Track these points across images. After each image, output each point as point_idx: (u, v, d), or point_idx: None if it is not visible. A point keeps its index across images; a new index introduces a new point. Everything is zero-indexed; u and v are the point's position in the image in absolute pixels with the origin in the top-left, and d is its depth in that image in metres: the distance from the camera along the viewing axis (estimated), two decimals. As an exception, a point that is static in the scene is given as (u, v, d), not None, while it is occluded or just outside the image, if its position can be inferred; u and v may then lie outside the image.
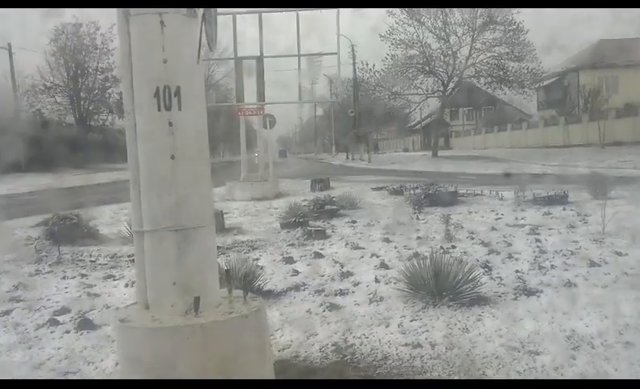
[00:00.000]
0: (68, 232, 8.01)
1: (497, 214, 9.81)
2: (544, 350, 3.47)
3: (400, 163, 34.35)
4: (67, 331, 4.30)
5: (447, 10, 31.14)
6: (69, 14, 38.61)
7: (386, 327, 4.06)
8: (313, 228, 8.29)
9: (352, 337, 3.89)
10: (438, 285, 4.47)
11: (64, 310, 4.82)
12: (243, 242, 7.86)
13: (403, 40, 31.99)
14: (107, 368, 3.50)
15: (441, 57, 32.55)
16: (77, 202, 15.97)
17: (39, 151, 31.16)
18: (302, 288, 5.29)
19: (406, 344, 3.71)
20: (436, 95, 35.53)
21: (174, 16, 2.70)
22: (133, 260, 6.80)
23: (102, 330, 4.33)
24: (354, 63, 38.58)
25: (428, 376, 3.24)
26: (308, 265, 6.28)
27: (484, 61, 32.69)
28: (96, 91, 41.41)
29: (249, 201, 14.08)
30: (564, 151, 29.88)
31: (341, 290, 5.10)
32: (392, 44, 27.33)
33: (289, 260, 6.55)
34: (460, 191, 12.47)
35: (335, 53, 15.76)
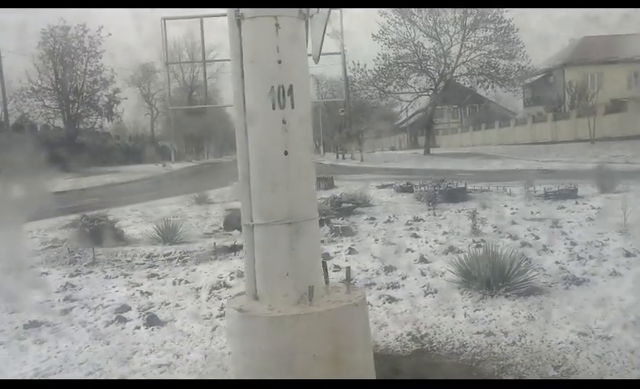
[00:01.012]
0: (97, 233, 8.05)
1: (512, 209, 10.04)
2: (615, 335, 3.64)
3: (393, 161, 34.62)
4: (137, 327, 4.38)
5: (439, 9, 31.52)
6: (56, 17, 38.31)
7: (453, 317, 4.21)
8: (340, 226, 8.42)
9: (423, 327, 4.03)
10: (495, 277, 4.63)
11: (124, 308, 4.89)
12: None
13: (396, 39, 32.34)
14: (198, 359, 3.60)
15: (433, 56, 32.90)
16: (82, 204, 15.95)
17: (27, 155, 30.88)
18: (351, 282, 5.40)
19: (478, 333, 3.86)
20: (427, 93, 35.88)
21: (287, 18, 2.82)
22: (170, 259, 6.93)
23: (170, 325, 4.42)
24: (344, 63, 38.68)
25: (510, 362, 3.38)
26: (346, 260, 6.40)
27: (475, 59, 33.11)
28: (85, 94, 41.00)
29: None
30: (554, 148, 30.37)
31: (392, 283, 5.23)
32: (385, 43, 27.64)
33: (325, 256, 6.66)
34: (467, 188, 12.68)
35: (339, 53, 15.92)
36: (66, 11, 40.19)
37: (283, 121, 2.83)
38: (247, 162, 2.94)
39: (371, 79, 32.97)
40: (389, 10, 28.99)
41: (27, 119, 39.87)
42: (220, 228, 9.32)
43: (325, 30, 2.90)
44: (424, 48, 33.08)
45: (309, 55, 3.09)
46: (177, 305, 4.97)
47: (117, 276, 6.30)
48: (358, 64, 31.58)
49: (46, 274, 6.58)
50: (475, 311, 4.29)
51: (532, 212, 9.45)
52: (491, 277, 4.65)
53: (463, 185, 12.39)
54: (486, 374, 3.22)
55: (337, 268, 6.02)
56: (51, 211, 14.64)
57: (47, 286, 5.98)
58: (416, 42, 32.89)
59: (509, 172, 19.81)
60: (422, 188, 12.53)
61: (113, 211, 11.12)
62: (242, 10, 2.84)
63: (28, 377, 3.49)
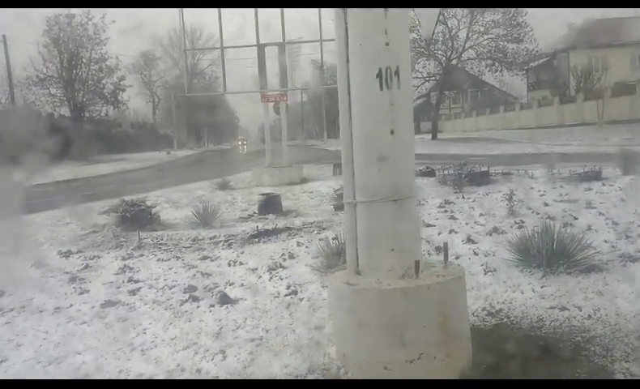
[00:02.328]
0: (137, 218, 8.17)
1: (539, 191, 10.14)
2: (687, 306, 3.77)
3: (401, 146, 34.60)
4: (212, 305, 4.51)
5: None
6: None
7: (521, 293, 4.33)
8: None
9: (496, 303, 4.16)
10: (556, 254, 4.75)
11: (191, 288, 5.02)
12: (311, 224, 8.07)
13: (404, 23, 32.19)
14: (287, 334, 3.72)
15: (441, 40, 32.87)
16: (102, 191, 16.06)
17: (35, 143, 30.88)
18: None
19: (551, 307, 3.99)
20: (434, 78, 35.88)
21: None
22: (216, 242, 7.05)
23: (242, 303, 4.54)
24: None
25: (592, 334, 3.50)
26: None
27: (484, 43, 33.10)
28: (89, 82, 40.94)
29: (278, 186, 14.27)
30: (563, 131, 30.45)
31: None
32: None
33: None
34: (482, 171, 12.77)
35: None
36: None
37: (390, 102, 2.93)
38: (350, 143, 3.05)
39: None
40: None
41: (33, 107, 39.87)
42: (254, 213, 9.43)
43: (439, 15, 2.98)
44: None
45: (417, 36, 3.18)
46: (242, 285, 5.09)
47: (169, 259, 6.42)
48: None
49: (98, 257, 6.70)
50: (542, 288, 4.41)
51: (561, 194, 9.57)
52: (552, 255, 4.77)
53: (486, 169, 12.50)
54: (573, 345, 3.35)
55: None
56: (74, 198, 14.78)
57: (104, 268, 6.11)
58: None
59: (523, 156, 19.93)
60: (445, 172, 12.63)
61: (140, 198, 11.20)
62: (350, -4, 2.93)
63: (128, 352, 3.62)
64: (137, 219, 8.15)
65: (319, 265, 5.41)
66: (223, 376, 3.16)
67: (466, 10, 32.28)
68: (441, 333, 2.88)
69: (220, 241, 7.21)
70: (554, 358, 3.17)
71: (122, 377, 3.26)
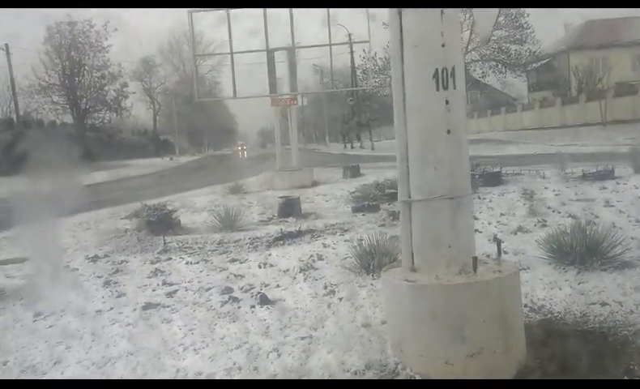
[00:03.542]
0: (159, 222, 8.23)
1: (554, 191, 10.20)
2: None
3: (405, 149, 34.73)
4: (253, 306, 4.57)
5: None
6: (62, 13, 38.25)
7: (560, 289, 4.39)
8: (396, 210, 8.59)
9: (536, 299, 4.22)
10: (590, 252, 4.81)
11: (228, 289, 5.07)
12: (333, 226, 8.12)
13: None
14: (335, 332, 3.77)
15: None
16: (112, 197, 16.12)
17: (37, 150, 30.88)
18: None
19: (592, 303, 4.05)
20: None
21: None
22: (240, 245, 7.11)
23: (281, 303, 4.60)
24: (352, 52, 38.81)
25: (637, 328, 3.56)
26: None
27: (487, 45, 33.24)
28: (92, 89, 41.04)
29: (290, 189, 14.34)
30: (567, 132, 30.53)
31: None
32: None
33: (397, 239, 6.83)
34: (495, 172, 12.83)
35: (367, 42, 16.03)
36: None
37: (447, 102, 3.00)
38: (405, 142, 3.12)
39: (381, 68, 33.09)
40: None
41: (35, 116, 39.98)
42: (273, 216, 9.49)
43: (497, 16, 3.05)
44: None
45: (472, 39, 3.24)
46: (278, 286, 5.15)
47: (197, 262, 6.47)
48: (368, 52, 31.64)
49: (126, 261, 6.75)
50: (579, 284, 4.47)
51: (576, 193, 9.63)
52: (586, 252, 4.83)
53: (498, 170, 12.57)
54: (622, 338, 3.41)
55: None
56: (86, 204, 14.81)
57: (135, 272, 6.17)
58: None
59: (530, 156, 19.99)
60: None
61: (161, 203, 11.25)
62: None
63: (180, 351, 3.68)
64: (159, 223, 8.20)
65: (351, 265, 5.46)
66: (282, 373, 3.21)
67: (469, 13, 32.42)
68: (499, 328, 2.94)
69: (245, 244, 7.27)
70: (606, 351, 3.23)
71: (180, 376, 3.31)
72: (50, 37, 37.51)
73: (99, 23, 38.74)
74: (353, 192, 11.34)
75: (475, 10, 3.19)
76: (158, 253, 7.14)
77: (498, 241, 3.35)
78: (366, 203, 9.37)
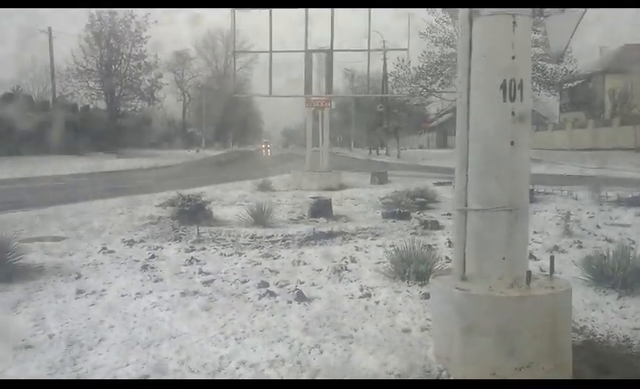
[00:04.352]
0: (193, 212, 8.33)
1: (587, 213, 10.07)
2: None
3: (430, 160, 34.61)
4: (289, 302, 4.60)
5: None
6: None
7: (602, 312, 4.34)
8: (427, 219, 8.57)
9: (578, 320, 4.16)
10: (631, 275, 4.74)
11: (264, 284, 5.11)
12: (365, 230, 8.13)
13: (442, 38, 32.30)
14: (375, 334, 3.78)
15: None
16: (142, 185, 16.36)
17: (68, 136, 31.35)
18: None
19: (635, 328, 3.99)
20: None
21: (522, 17, 2.97)
22: (273, 241, 7.16)
23: (318, 302, 4.62)
24: (384, 59, 38.80)
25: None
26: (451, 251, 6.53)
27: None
28: (127, 77, 41.69)
29: (317, 190, 14.38)
30: (598, 154, 30.00)
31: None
32: (432, 41, 27.62)
33: (429, 248, 6.80)
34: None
35: (405, 49, 16.03)
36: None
37: (513, 113, 2.99)
38: (466, 151, 3.12)
39: (414, 77, 33.01)
40: (438, 9, 28.93)
41: (70, 100, 40.72)
42: (303, 215, 9.53)
43: (576, 27, 3.04)
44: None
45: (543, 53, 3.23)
46: (313, 285, 5.17)
47: (231, 254, 6.54)
48: (402, 60, 31.60)
49: (161, 248, 6.85)
50: (621, 308, 4.42)
51: (611, 217, 9.49)
52: (627, 276, 4.77)
53: (531, 188, 12.44)
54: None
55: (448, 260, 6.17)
56: (117, 189, 15.08)
57: (170, 259, 6.26)
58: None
59: (561, 177, 19.72)
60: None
61: (195, 193, 11.40)
62: (478, 9, 3.00)
63: (222, 339, 3.72)
64: (192, 213, 8.31)
65: (386, 270, 5.46)
66: (325, 370, 3.23)
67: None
68: (550, 344, 2.92)
69: (278, 241, 7.32)
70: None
71: (225, 363, 3.35)
72: (92, 24, 38.31)
73: (139, 13, 39.42)
74: (383, 198, 11.36)
75: (548, 25, 3.16)
76: (192, 242, 7.23)
77: (551, 258, 3.32)
78: (397, 210, 9.35)
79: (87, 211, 10.48)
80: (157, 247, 6.87)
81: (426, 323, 3.97)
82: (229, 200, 12.18)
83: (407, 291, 4.91)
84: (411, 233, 7.90)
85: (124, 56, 40.59)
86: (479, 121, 3.05)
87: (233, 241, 7.32)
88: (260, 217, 8.41)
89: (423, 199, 10.94)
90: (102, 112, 41.09)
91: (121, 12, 38.98)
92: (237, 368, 3.28)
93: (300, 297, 4.69)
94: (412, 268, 5.20)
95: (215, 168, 30.98)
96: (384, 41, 34.03)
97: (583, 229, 8.14)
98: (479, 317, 2.94)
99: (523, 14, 2.97)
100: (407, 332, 3.83)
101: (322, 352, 3.48)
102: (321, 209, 9.22)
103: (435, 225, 8.38)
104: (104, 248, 6.72)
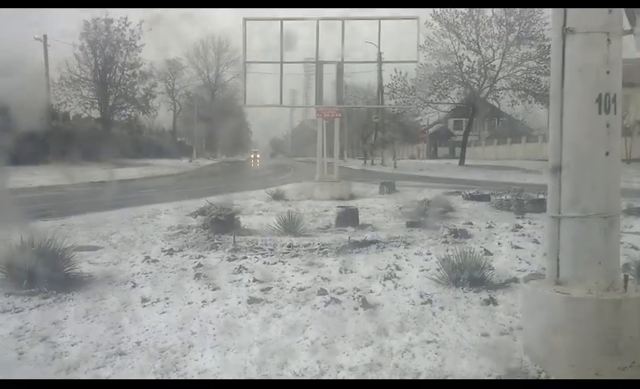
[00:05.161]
0: (224, 222, 8.40)
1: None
2: None
3: (427, 170, 34.95)
4: (356, 308, 4.70)
5: (480, 23, 32.12)
6: (99, 9, 38.85)
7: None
8: (457, 227, 8.72)
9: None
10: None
11: (323, 291, 5.21)
12: (396, 238, 8.25)
13: (440, 50, 32.83)
14: (457, 339, 3.89)
15: (475, 68, 33.50)
16: (147, 196, 16.33)
17: (63, 145, 31.10)
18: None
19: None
20: (464, 104, 36.37)
21: (615, 34, 3.14)
22: (311, 250, 7.25)
23: (382, 308, 4.73)
24: (380, 70, 39.13)
25: None
26: (507, 257, 6.72)
27: (518, 74, 33.63)
28: (121, 86, 41.59)
29: (330, 200, 14.51)
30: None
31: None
32: (429, 54, 28.06)
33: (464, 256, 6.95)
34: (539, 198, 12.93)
35: (415, 62, 16.26)
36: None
37: (607, 125, 3.14)
38: (559, 159, 3.26)
39: (411, 88, 33.44)
40: (436, 22, 29.41)
41: (63, 109, 40.49)
42: (330, 224, 9.62)
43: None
44: (469, 60, 33.65)
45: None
46: (371, 292, 5.27)
47: (275, 263, 6.61)
48: (399, 72, 31.99)
49: (202, 257, 6.90)
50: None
51: (625, 226, 9.71)
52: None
53: (542, 197, 12.68)
54: None
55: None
56: (127, 199, 15.05)
57: (217, 268, 6.31)
58: (459, 54, 33.55)
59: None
60: (502, 197, 12.86)
61: (194, 203, 11.46)
62: (572, 26, 3.16)
63: (309, 345, 3.81)
64: (224, 223, 8.37)
65: (438, 277, 5.57)
66: (425, 373, 3.33)
67: (503, 42, 32.86)
68: (648, 345, 3.06)
69: (315, 249, 7.41)
70: None
71: (324, 367, 3.44)
72: (87, 32, 38.20)
73: (134, 21, 39.41)
74: (401, 207, 11.52)
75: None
76: (229, 251, 7.29)
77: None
78: (421, 218, 9.49)
79: (109, 220, 10.47)
80: (199, 256, 6.92)
81: (501, 328, 4.11)
82: (247, 210, 12.22)
83: (466, 297, 5.03)
84: (442, 242, 8.03)
85: (119, 64, 40.50)
86: (573, 132, 3.20)
87: (271, 249, 7.39)
88: (290, 226, 8.50)
89: (441, 209, 11.09)
90: (95, 121, 40.89)
91: (115, 20, 39.01)
92: (338, 372, 3.37)
93: (365, 304, 4.79)
94: (466, 275, 5.33)
95: (213, 178, 30.99)
96: (380, 53, 34.45)
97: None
98: (581, 319, 3.07)
99: (616, 31, 3.13)
100: (486, 336, 3.95)
101: (414, 356, 3.58)
102: (348, 218, 9.33)
103: (464, 234, 8.53)
104: (147, 257, 6.75)
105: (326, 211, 12.04)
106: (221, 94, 78.89)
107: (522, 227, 9.54)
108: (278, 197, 14.15)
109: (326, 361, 3.52)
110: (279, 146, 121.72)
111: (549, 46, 30.75)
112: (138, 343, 3.88)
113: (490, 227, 9.64)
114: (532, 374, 3.26)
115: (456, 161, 44.84)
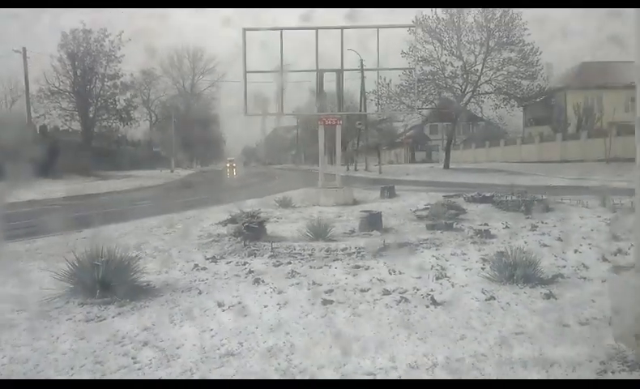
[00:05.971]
0: (256, 229, 8.54)
1: (606, 219, 10.70)
2: None
3: (414, 174, 35.47)
4: (427, 306, 4.91)
5: (462, 29, 32.91)
6: (76, 20, 38.50)
7: None
8: (480, 229, 9.01)
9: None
10: None
11: (386, 291, 5.41)
12: (426, 240, 8.49)
13: (423, 56, 33.42)
14: (536, 334, 4.13)
15: (458, 74, 34.24)
16: (147, 208, 16.26)
17: (48, 158, 30.63)
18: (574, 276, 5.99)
19: None
20: (447, 109, 37.10)
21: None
22: (348, 253, 7.47)
23: (450, 305, 4.95)
24: (362, 77, 39.63)
25: None
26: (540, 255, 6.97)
27: (499, 79, 34.52)
28: (101, 97, 41.12)
29: (335, 206, 14.73)
30: (574, 166, 31.46)
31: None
32: (413, 60, 28.56)
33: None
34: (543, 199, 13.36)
35: (413, 69, 16.76)
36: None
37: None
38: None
39: (396, 94, 34.00)
40: (418, 29, 29.95)
41: (41, 121, 39.82)
42: (354, 229, 9.82)
43: None
44: (452, 66, 34.37)
45: None
46: (432, 290, 5.47)
47: (320, 267, 6.78)
48: (384, 79, 32.53)
49: (247, 263, 7.01)
50: None
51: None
52: None
53: (545, 197, 13.13)
54: None
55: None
56: (126, 212, 15.00)
57: (268, 273, 6.43)
58: (442, 60, 34.27)
59: (552, 187, 20.64)
60: (501, 199, 13.27)
61: (201, 212, 11.56)
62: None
63: (404, 338, 4.00)
64: (255, 230, 8.51)
65: (490, 275, 5.82)
66: (531, 363, 3.55)
67: (484, 48, 33.66)
68: None
69: (353, 253, 7.60)
70: None
71: (426, 362, 3.63)
72: (65, 44, 37.70)
73: (114, 32, 39.04)
74: (415, 211, 11.81)
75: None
76: (269, 257, 7.43)
77: None
78: (442, 221, 9.77)
79: (127, 232, 10.47)
80: (244, 263, 7.04)
81: (576, 319, 4.36)
82: (261, 218, 12.32)
83: (525, 292, 5.28)
84: (471, 243, 8.30)
85: (98, 76, 40.04)
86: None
87: (310, 254, 7.55)
88: (319, 232, 8.67)
89: (454, 211, 11.39)
90: (78, 134, 40.30)
91: (95, 31, 38.58)
92: (441, 367, 3.57)
93: (435, 302, 5.00)
94: (520, 272, 5.59)
95: (202, 187, 30.86)
96: (361, 60, 34.97)
97: (624, 233, 8.71)
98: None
99: None
100: (567, 327, 4.20)
101: (512, 348, 3.81)
102: (372, 222, 9.55)
103: (488, 234, 8.83)
104: (197, 265, 6.85)
105: (339, 216, 12.26)
106: (196, 103, 78.63)
107: (537, 226, 9.88)
108: (285, 204, 14.29)
109: (426, 355, 3.72)
110: (252, 154, 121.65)
111: (529, 51, 31.78)
112: (241, 343, 4.01)
113: (507, 227, 9.96)
114: (631, 359, 3.51)
115: (436, 165, 45.60)
